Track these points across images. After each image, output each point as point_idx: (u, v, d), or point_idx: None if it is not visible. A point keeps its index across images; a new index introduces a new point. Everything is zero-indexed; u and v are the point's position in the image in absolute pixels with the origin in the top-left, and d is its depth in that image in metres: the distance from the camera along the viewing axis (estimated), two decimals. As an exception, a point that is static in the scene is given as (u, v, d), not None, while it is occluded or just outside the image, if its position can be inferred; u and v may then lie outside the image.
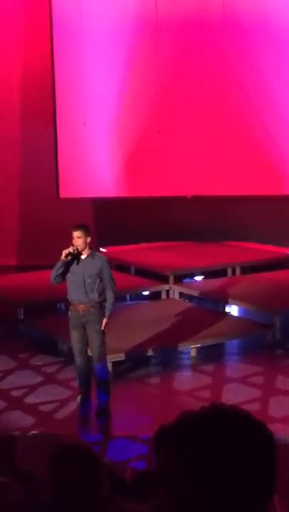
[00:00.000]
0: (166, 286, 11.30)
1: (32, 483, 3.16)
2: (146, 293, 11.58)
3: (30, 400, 7.75)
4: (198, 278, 12.15)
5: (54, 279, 7.15)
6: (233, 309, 10.62)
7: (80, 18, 13.36)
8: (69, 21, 13.52)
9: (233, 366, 8.83)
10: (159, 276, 11.57)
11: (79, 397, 7.47)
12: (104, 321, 7.15)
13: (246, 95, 13.39)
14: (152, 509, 1.72)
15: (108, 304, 7.18)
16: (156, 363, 8.87)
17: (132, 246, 13.26)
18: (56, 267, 7.09)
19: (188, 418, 1.51)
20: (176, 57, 13.53)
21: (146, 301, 11.43)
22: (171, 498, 1.47)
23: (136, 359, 8.62)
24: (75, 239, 7.04)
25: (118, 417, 7.41)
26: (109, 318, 7.19)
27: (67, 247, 7.05)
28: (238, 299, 10.35)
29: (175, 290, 11.27)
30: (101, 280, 7.15)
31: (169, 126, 13.53)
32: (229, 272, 12.20)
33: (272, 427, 1.41)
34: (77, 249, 7.02)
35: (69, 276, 7.14)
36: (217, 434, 1.46)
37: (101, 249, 12.19)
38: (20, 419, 7.23)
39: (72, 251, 6.99)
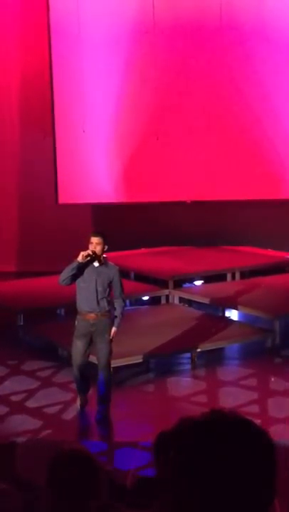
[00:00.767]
0: (166, 291, 11.30)
1: (31, 491, 3.15)
2: (145, 298, 11.58)
3: (32, 404, 7.75)
4: (198, 283, 12.15)
5: (63, 280, 7.06)
6: (232, 314, 10.62)
7: (78, 24, 13.38)
8: (67, 28, 13.54)
9: (233, 371, 8.83)
10: (158, 282, 11.57)
11: (79, 404, 7.46)
12: (114, 330, 7.15)
13: (245, 100, 13.40)
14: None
15: (118, 314, 7.18)
16: (156, 368, 8.86)
17: (132, 251, 13.25)
18: (69, 268, 7.01)
19: (188, 423, 1.51)
20: (175, 62, 13.56)
21: (146, 306, 11.42)
22: (170, 498, 1.47)
23: (135, 364, 8.61)
24: (94, 244, 7.01)
25: (118, 424, 7.39)
26: (118, 328, 7.19)
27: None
28: (237, 304, 10.35)
29: (175, 295, 11.27)
30: (110, 289, 7.15)
31: (167, 131, 13.54)
32: (229, 276, 12.20)
33: (274, 429, 1.41)
34: (95, 252, 7.01)
35: (80, 283, 7.10)
36: (217, 437, 1.46)
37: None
38: (25, 423, 7.24)
39: (91, 253, 6.99)
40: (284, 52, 13.31)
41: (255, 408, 7.47)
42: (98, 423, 7.31)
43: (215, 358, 9.07)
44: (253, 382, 8.32)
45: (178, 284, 11.56)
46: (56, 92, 13.70)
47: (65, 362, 8.59)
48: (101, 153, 13.84)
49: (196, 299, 10.99)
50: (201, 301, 10.87)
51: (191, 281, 12.15)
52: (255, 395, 7.87)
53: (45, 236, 13.66)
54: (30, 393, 8.05)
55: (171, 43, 13.50)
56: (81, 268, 7.02)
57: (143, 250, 13.55)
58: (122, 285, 7.20)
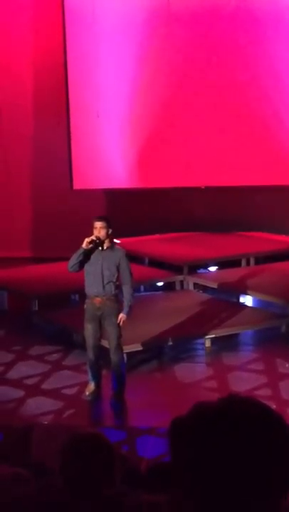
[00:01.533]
0: (180, 277, 11.28)
1: (45, 476, 3.14)
2: (160, 284, 11.57)
3: (49, 385, 7.83)
4: (212, 269, 12.12)
5: (72, 267, 7.11)
6: (247, 300, 10.59)
7: (93, 10, 13.30)
8: (81, 14, 13.47)
9: (248, 356, 8.82)
10: (172, 267, 11.55)
11: (88, 393, 7.42)
12: (122, 315, 7.12)
13: (260, 85, 13.30)
14: (171, 499, 1.71)
15: (126, 299, 7.15)
16: (171, 354, 8.86)
17: (146, 237, 13.23)
18: (76, 255, 7.04)
19: (202, 409, 1.49)
20: (189, 48, 13.46)
21: (161, 292, 11.42)
22: (189, 483, 1.45)
23: (150, 350, 8.62)
24: (98, 229, 7.02)
25: (133, 410, 7.41)
26: (127, 315, 7.15)
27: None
28: (252, 290, 10.32)
29: (189, 281, 11.25)
30: (118, 273, 7.14)
31: (181, 117, 13.47)
32: (243, 262, 12.16)
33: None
34: (100, 238, 7.01)
35: (87, 267, 7.12)
36: (229, 428, 1.43)
37: (115, 240, 12.16)
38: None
39: (94, 239, 6.99)
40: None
41: (268, 392, 7.48)
42: (112, 406, 7.33)
43: (229, 344, 9.06)
44: (268, 367, 8.30)
45: (192, 269, 11.53)
46: (70, 77, 13.64)
47: (79, 347, 8.62)
48: (115, 139, 13.79)
49: (210, 285, 10.96)
50: (215, 287, 10.84)
51: (206, 267, 12.12)
52: (268, 380, 7.87)
53: (60, 222, 13.64)
54: (44, 376, 8.09)
55: (185, 28, 13.39)
56: (88, 254, 7.04)
57: (157, 236, 13.52)
58: (130, 271, 7.17)
